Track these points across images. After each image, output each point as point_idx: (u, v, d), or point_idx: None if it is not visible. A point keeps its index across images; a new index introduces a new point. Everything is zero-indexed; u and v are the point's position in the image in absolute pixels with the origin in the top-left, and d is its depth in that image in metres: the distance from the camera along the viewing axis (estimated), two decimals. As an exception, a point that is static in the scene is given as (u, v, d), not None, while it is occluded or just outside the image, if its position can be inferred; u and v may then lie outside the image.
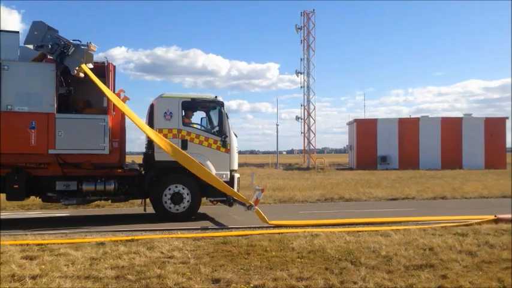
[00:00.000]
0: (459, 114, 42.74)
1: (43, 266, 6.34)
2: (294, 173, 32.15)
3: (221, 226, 10.67)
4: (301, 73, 45.52)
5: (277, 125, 48.57)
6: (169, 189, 11.24)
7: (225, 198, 11.48)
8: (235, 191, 11.30)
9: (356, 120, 42.03)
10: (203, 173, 10.70)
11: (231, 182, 11.52)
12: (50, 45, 10.46)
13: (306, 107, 45.54)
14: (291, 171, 34.62)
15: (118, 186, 11.16)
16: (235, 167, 12.08)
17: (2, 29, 10.63)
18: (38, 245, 7.79)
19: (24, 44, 10.74)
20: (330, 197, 16.32)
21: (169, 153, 10.59)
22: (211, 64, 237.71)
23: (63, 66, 10.57)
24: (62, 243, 7.94)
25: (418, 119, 40.06)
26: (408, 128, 39.08)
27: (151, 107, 11.76)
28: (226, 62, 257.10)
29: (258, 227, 10.10)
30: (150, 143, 11.67)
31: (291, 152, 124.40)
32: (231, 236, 8.65)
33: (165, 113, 11.44)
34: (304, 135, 45.71)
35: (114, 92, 11.16)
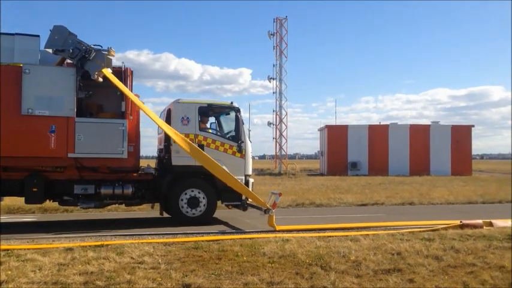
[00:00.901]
0: (427, 122, 43.78)
1: (9, 272, 6.20)
2: (266, 178, 32.23)
3: (238, 230, 10.76)
4: (273, 79, 45.68)
5: (249, 130, 48.45)
6: (186, 193, 11.44)
7: (239, 203, 11.79)
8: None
9: (327, 127, 42.49)
10: (223, 174, 10.81)
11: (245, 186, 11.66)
12: (71, 50, 10.59)
13: (278, 113, 45.73)
14: (262, 177, 34.70)
15: (135, 190, 11.26)
16: (250, 171, 12.34)
17: (22, 32, 10.74)
18: (4, 250, 7.59)
19: (45, 48, 10.78)
20: (301, 202, 16.43)
21: (190, 155, 10.74)
22: (184, 68, 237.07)
23: (83, 70, 10.71)
24: (28, 249, 7.76)
25: (387, 125, 40.80)
26: (378, 134, 39.74)
27: (168, 111, 11.95)
28: (199, 66, 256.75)
29: (271, 231, 10.26)
30: (166, 148, 11.80)
31: (262, 157, 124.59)
32: (203, 241, 8.61)
33: (183, 118, 11.61)
34: (276, 141, 45.88)
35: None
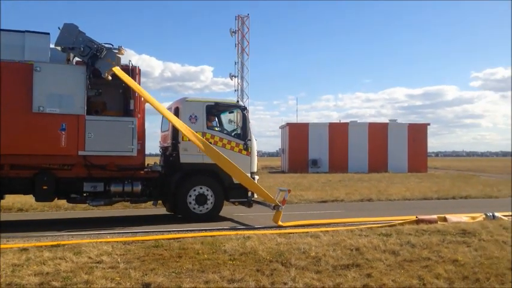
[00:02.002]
0: (385, 120, 44.76)
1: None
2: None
3: (246, 226, 11.06)
4: (235, 76, 45.50)
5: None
6: (194, 190, 11.65)
7: (246, 200, 12.12)
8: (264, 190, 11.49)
9: (288, 124, 42.80)
10: (235, 171, 11.04)
11: None
12: (82, 48, 10.64)
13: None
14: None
15: (144, 187, 11.36)
16: (255, 169, 12.57)
17: (32, 30, 10.69)
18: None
19: (55, 45, 10.82)
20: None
21: (204, 151, 10.98)
22: (144, 65, 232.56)
23: (93, 68, 10.77)
24: (-20, 250, 7.47)
25: (347, 124, 41.50)
26: (338, 132, 40.36)
27: (176, 109, 12.10)
28: (160, 63, 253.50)
29: (274, 227, 10.54)
30: (174, 145, 11.97)
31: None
32: (163, 239, 8.52)
33: (191, 116, 11.83)
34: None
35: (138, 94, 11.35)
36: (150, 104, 11.28)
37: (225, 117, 12.99)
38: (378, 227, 9.99)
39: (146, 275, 6.09)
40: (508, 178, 31.81)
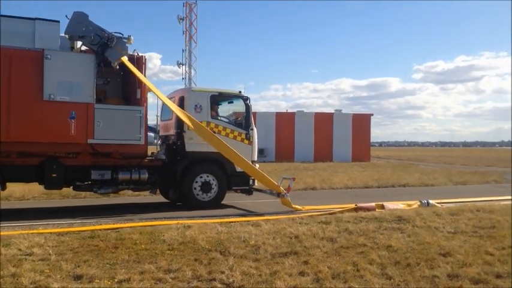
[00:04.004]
0: (332, 110, 45.55)
1: None
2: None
3: (250, 212, 11.49)
4: (182, 64, 44.94)
5: (157, 116, 47.44)
6: (201, 177, 11.94)
7: (247, 187, 12.55)
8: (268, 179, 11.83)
9: (235, 113, 42.66)
10: (237, 158, 11.42)
11: None
12: (92, 36, 10.80)
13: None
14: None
15: (149, 175, 11.51)
16: (256, 157, 12.99)
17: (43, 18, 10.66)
18: None
19: (65, 33, 10.94)
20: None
21: (207, 141, 11.38)
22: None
23: (102, 57, 10.93)
24: None
25: (293, 113, 41.87)
26: (284, 122, 40.66)
27: (181, 99, 12.27)
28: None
29: (283, 212, 11.03)
30: (179, 134, 12.12)
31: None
32: (100, 229, 8.28)
33: (196, 106, 12.09)
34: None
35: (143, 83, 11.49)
36: (155, 94, 11.57)
37: (228, 107, 13.40)
38: (319, 215, 10.16)
39: (78, 267, 5.89)
40: (444, 167, 33.35)
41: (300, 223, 9.07)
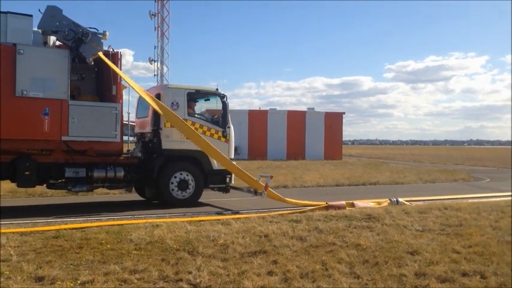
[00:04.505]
0: (305, 108, 45.78)
1: None
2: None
3: (225, 210, 11.42)
4: (154, 61, 44.35)
5: (128, 113, 46.60)
6: (176, 176, 11.81)
7: (224, 185, 12.57)
8: (248, 176, 11.85)
9: (208, 111, 42.40)
10: (218, 156, 11.55)
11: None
12: (66, 31, 10.57)
13: (159, 96, 44.58)
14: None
15: (126, 173, 11.36)
16: (232, 155, 12.94)
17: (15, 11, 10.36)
18: None
19: (38, 28, 10.65)
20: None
21: (187, 136, 11.36)
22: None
23: (77, 53, 10.74)
24: None
25: (266, 111, 41.91)
26: (257, 119, 40.64)
27: (158, 96, 12.05)
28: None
29: (258, 210, 11.05)
30: (155, 132, 12.03)
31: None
32: (65, 229, 8.05)
33: (172, 103, 11.88)
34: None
35: (120, 80, 11.37)
36: (135, 90, 11.36)
37: (205, 104, 13.30)
38: (289, 213, 10.13)
39: (41, 268, 5.69)
40: (414, 165, 33.90)
41: (270, 222, 9.02)
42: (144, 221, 8.94)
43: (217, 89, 12.84)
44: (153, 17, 43.94)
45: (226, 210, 11.44)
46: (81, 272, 5.59)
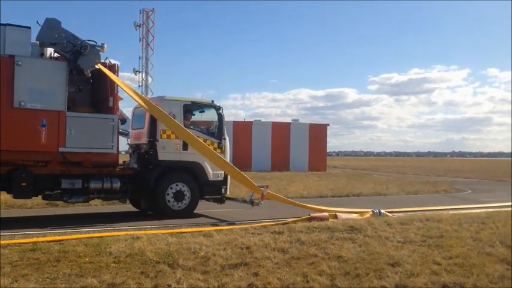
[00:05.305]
0: (290, 120, 45.93)
1: None
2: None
3: (220, 221, 11.50)
4: (139, 72, 44.24)
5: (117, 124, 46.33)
6: (171, 187, 11.86)
7: (219, 196, 12.66)
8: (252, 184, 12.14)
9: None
10: (222, 163, 11.87)
11: (225, 181, 12.68)
12: (64, 43, 10.62)
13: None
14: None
15: (121, 184, 11.35)
16: None
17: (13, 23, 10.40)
18: None
19: (37, 40, 10.71)
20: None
21: (188, 142, 11.61)
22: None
23: (75, 65, 10.77)
24: None
25: (251, 122, 41.94)
26: (242, 131, 40.59)
27: None
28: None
29: (255, 220, 11.09)
30: (151, 143, 12.06)
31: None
32: (43, 241, 7.89)
33: (168, 114, 11.70)
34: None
35: (117, 91, 11.49)
36: (138, 102, 11.57)
37: (201, 116, 13.45)
38: (272, 224, 10.09)
39: (16, 281, 5.57)
40: (397, 177, 34.14)
41: (252, 233, 8.96)
42: (125, 233, 8.81)
43: (212, 101, 13.03)
44: (138, 27, 43.90)
45: (222, 221, 11.47)
46: (58, 285, 5.50)
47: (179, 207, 11.95)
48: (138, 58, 44.36)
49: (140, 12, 44.19)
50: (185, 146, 12.10)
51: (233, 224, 10.76)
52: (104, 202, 13.11)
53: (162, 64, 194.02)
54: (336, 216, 11.05)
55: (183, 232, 9.05)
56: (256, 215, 12.12)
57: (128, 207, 13.27)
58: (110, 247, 7.41)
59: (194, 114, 13.15)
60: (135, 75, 44.46)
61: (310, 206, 12.61)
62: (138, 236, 8.33)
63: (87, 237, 8.41)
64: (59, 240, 8.04)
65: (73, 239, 8.24)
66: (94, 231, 9.37)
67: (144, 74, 44.49)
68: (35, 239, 8.16)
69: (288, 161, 40.28)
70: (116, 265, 6.46)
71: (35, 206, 13.20)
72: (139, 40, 44.34)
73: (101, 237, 8.45)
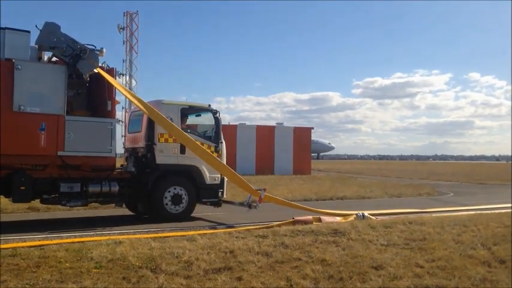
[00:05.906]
0: (274, 123, 45.97)
1: None
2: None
3: (218, 224, 11.64)
4: (123, 74, 43.77)
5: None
6: (169, 191, 11.90)
7: (216, 200, 12.72)
8: (250, 188, 12.25)
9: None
10: (220, 167, 12.04)
11: (221, 184, 12.75)
12: (64, 47, 10.63)
13: (127, 110, 44.10)
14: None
15: (120, 188, 11.34)
16: None
17: (12, 27, 10.47)
18: None
19: (36, 44, 10.71)
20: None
21: (185, 144, 11.66)
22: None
23: (74, 69, 10.81)
24: None
25: (235, 126, 41.86)
26: (226, 134, 39.87)
27: None
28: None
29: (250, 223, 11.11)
30: (149, 147, 12.07)
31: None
32: (22, 247, 7.75)
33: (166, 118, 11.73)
34: (126, 138, 44.16)
35: (115, 95, 11.56)
36: (138, 105, 11.45)
37: (198, 120, 13.65)
38: (256, 228, 10.06)
39: (-6, 288, 5.45)
40: (380, 180, 34.37)
41: (236, 237, 8.91)
42: (107, 237, 8.71)
43: (209, 105, 13.10)
44: (121, 30, 43.60)
45: (220, 224, 11.54)
46: (37, 292, 5.38)
47: (177, 210, 11.97)
48: (122, 61, 44.07)
49: (124, 15, 43.92)
50: (183, 150, 12.14)
51: (232, 227, 10.83)
52: (86, 207, 12.95)
53: (146, 66, 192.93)
54: (320, 220, 11.06)
55: (167, 236, 8.97)
56: (251, 218, 12.13)
57: (112, 211, 13.14)
58: (92, 252, 7.30)
59: (191, 118, 13.32)
60: (119, 78, 44.11)
61: (309, 208, 12.70)
62: (120, 241, 8.21)
63: (68, 242, 8.28)
64: (39, 246, 7.91)
65: (54, 244, 8.10)
66: (76, 236, 9.23)
67: (128, 77, 44.21)
68: (14, 244, 8.01)
69: (273, 164, 40.25)
70: (98, 270, 6.37)
71: (16, 210, 12.99)
72: (123, 43, 44.06)
73: (83, 242, 8.33)
